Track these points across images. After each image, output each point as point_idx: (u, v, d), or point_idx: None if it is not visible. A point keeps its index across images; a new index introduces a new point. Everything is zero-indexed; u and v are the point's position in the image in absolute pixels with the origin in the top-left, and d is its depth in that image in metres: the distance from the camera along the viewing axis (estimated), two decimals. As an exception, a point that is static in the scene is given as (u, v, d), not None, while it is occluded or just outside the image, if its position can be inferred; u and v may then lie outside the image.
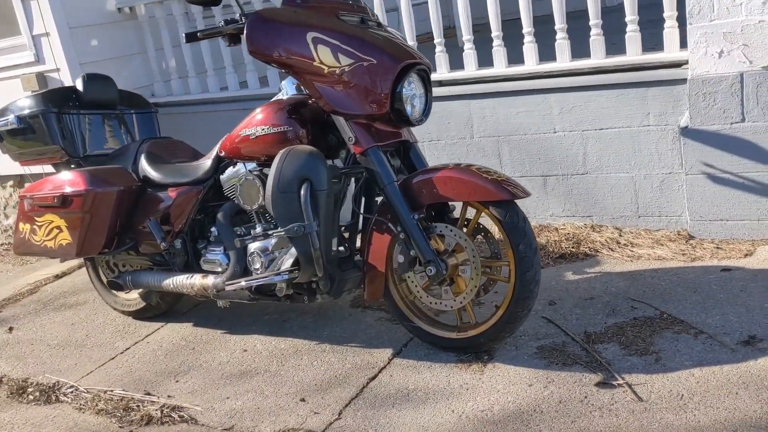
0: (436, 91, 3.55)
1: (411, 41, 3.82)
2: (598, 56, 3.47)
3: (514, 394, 2.44)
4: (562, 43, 3.53)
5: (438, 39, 3.84)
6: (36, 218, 3.37)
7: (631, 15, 3.35)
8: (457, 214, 2.80)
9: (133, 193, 3.29)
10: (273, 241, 2.85)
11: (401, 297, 2.85)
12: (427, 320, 2.83)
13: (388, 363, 2.80)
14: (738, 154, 3.18)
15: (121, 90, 3.79)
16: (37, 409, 2.93)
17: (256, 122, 2.87)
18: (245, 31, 2.62)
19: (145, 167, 3.30)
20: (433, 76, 3.61)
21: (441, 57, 3.84)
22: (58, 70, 4.63)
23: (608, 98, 3.46)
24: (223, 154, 3.07)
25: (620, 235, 3.53)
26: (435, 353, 2.80)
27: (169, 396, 2.84)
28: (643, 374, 2.42)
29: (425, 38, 4.70)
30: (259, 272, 2.93)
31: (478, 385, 2.53)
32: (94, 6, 4.73)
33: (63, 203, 3.23)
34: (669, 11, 3.27)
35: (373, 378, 2.71)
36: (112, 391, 2.95)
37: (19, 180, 5.33)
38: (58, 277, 4.56)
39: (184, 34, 2.76)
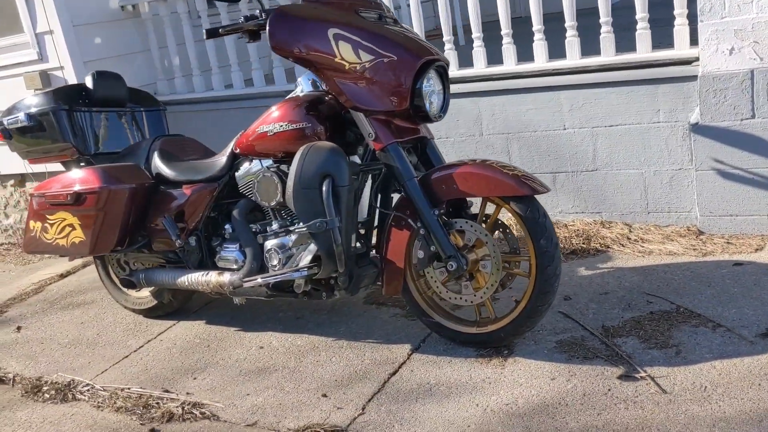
0: (446, 88, 3.56)
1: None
2: (608, 54, 3.49)
3: (537, 387, 2.46)
4: (572, 40, 3.56)
5: (447, 36, 3.85)
6: (48, 216, 3.35)
7: (641, 13, 3.38)
8: (474, 209, 2.83)
9: (146, 190, 3.28)
10: (293, 237, 2.85)
11: (419, 292, 2.87)
12: (446, 315, 2.85)
13: (408, 358, 2.81)
14: (748, 150, 3.22)
15: (130, 87, 3.77)
16: (53, 407, 2.91)
17: (274, 119, 2.87)
18: (268, 28, 2.63)
19: (159, 164, 3.29)
20: (443, 74, 3.63)
21: (450, 54, 3.85)
22: (62, 68, 4.60)
23: (618, 95, 3.49)
24: (238, 151, 3.07)
25: (630, 231, 3.56)
26: (454, 348, 2.81)
27: (188, 393, 2.83)
28: (665, 367, 2.44)
29: (428, 35, 4.70)
30: (276, 269, 2.93)
31: (500, 379, 2.55)
32: (97, 4, 4.70)
33: (76, 201, 3.21)
34: (679, 9, 3.31)
35: (394, 373, 2.72)
36: (129, 388, 2.94)
37: (20, 179, 5.30)
38: (62, 276, 4.54)
39: (205, 30, 2.76)
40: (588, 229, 3.64)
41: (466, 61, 3.90)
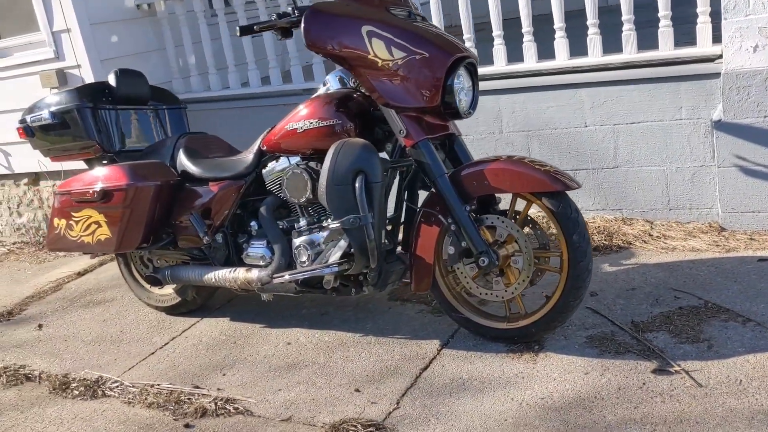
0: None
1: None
2: (630, 51, 3.51)
3: (572, 382, 2.47)
4: (593, 38, 3.58)
5: (467, 35, 3.86)
6: (73, 214, 3.36)
7: (664, 11, 3.40)
8: (503, 205, 2.85)
9: (172, 187, 3.28)
10: (323, 233, 2.86)
11: (448, 288, 2.88)
12: (475, 311, 2.86)
13: (438, 354, 2.82)
14: (771, 146, 3.24)
15: (151, 85, 3.78)
16: (83, 403, 2.92)
17: (303, 116, 2.88)
18: (302, 25, 2.64)
19: (184, 162, 3.30)
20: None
21: (470, 52, 3.86)
22: (78, 66, 4.60)
23: (640, 92, 3.51)
24: (265, 148, 3.09)
25: (651, 228, 3.58)
26: (483, 344, 2.83)
27: (218, 389, 2.84)
28: (698, 361, 2.46)
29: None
30: (305, 265, 2.94)
31: (533, 374, 2.56)
32: (114, 2, 4.70)
33: (103, 198, 3.22)
34: (702, 6, 3.33)
35: (425, 368, 2.73)
36: (159, 385, 2.95)
37: (34, 178, 5.30)
38: (80, 274, 4.54)
39: (238, 27, 2.77)
40: (609, 226, 3.66)
41: (484, 59, 3.91)
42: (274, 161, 3.09)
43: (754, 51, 3.18)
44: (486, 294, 2.76)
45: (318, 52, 2.72)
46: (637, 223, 3.65)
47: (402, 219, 3.02)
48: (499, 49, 3.82)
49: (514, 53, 3.84)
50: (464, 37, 3.89)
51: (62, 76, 4.67)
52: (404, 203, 3.00)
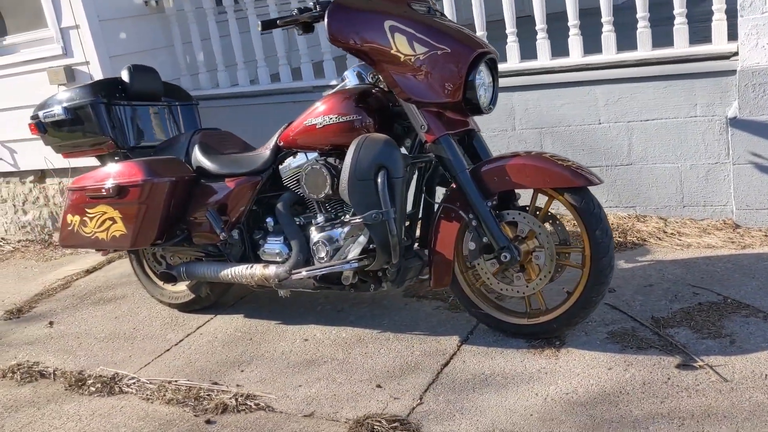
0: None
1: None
2: (645, 48, 3.52)
3: (595, 377, 2.47)
4: (608, 35, 3.58)
5: (480, 32, 3.86)
6: (87, 210, 3.34)
7: (679, 8, 3.40)
8: (522, 201, 2.84)
9: (187, 184, 3.27)
10: (344, 229, 2.85)
11: (468, 284, 2.88)
12: (495, 307, 2.86)
13: (458, 350, 2.82)
14: (786, 143, 3.25)
15: (164, 82, 3.76)
16: (100, 400, 2.90)
17: (322, 112, 2.87)
18: (326, 19, 2.63)
19: (200, 158, 3.29)
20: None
21: (483, 50, 3.86)
22: (87, 63, 4.58)
23: (655, 90, 3.51)
24: (282, 144, 3.08)
25: (666, 225, 3.59)
26: (503, 339, 2.82)
27: (237, 385, 2.83)
28: (721, 356, 2.46)
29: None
30: (324, 261, 2.93)
31: (556, 370, 2.56)
32: (122, -1, 4.69)
33: (118, 194, 3.20)
34: (718, 4, 3.33)
35: (446, 364, 2.73)
36: (176, 381, 2.93)
37: (40, 175, 5.27)
38: (88, 272, 4.52)
39: (260, 22, 2.75)
40: (623, 223, 3.66)
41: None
42: (292, 157, 3.08)
43: (770, 48, 3.18)
44: (507, 290, 2.75)
45: (340, 47, 2.71)
46: (651, 220, 3.65)
47: (419, 215, 3.02)
48: (512, 46, 3.82)
49: (527, 51, 3.84)
50: (477, 34, 3.88)
51: (70, 72, 4.64)
52: (422, 199, 3.00)
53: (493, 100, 2.81)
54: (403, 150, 2.91)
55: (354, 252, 2.84)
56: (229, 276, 3.19)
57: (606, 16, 3.56)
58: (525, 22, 3.99)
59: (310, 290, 3.03)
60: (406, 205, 2.85)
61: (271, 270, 3.06)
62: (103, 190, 3.24)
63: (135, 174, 3.17)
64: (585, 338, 2.73)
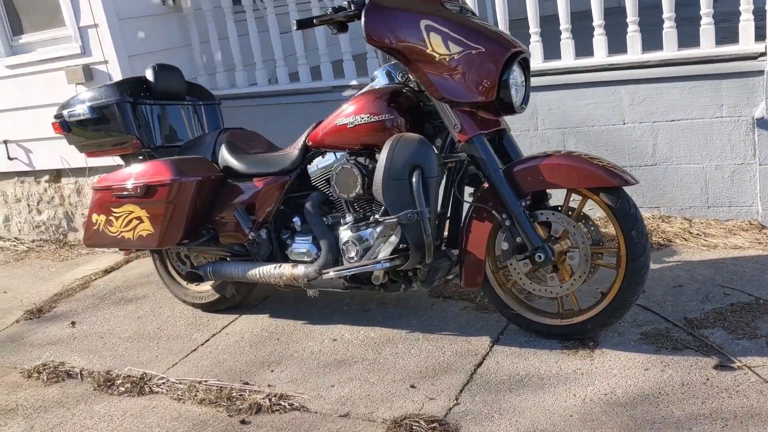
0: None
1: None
2: (670, 49, 3.51)
3: (633, 378, 2.47)
4: (633, 35, 3.58)
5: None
6: (113, 209, 3.33)
7: (706, 8, 3.40)
8: (553, 201, 2.84)
9: (214, 183, 3.26)
10: (375, 229, 2.84)
11: (499, 285, 2.87)
12: (528, 307, 2.85)
13: (490, 350, 2.81)
14: (814, 144, 3.25)
15: (187, 81, 3.75)
16: (131, 400, 2.89)
17: (353, 111, 2.87)
18: (363, 19, 2.63)
19: (227, 157, 3.28)
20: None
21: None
22: (106, 62, 4.56)
23: (681, 90, 3.51)
24: (310, 143, 3.07)
25: (691, 226, 3.58)
26: (535, 340, 2.82)
27: (269, 385, 2.82)
28: (759, 357, 2.46)
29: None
30: (354, 261, 2.92)
31: (592, 371, 2.55)
32: (141, -2, 4.68)
33: (146, 193, 3.19)
34: (745, 4, 3.33)
35: (479, 365, 2.72)
36: (206, 381, 2.92)
37: (56, 175, 5.25)
38: (106, 272, 4.51)
39: (295, 21, 2.75)
40: (647, 224, 3.65)
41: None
42: (320, 157, 3.07)
43: (799, 49, 3.18)
44: (540, 290, 2.75)
45: (376, 46, 2.70)
46: (676, 221, 3.65)
47: (448, 215, 3.02)
48: (535, 46, 3.81)
49: (550, 51, 3.83)
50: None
51: (88, 71, 4.63)
52: (451, 199, 2.99)
53: (525, 100, 2.80)
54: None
55: (385, 252, 2.84)
56: (257, 276, 3.18)
57: (631, 16, 3.56)
58: (548, 21, 3.98)
59: (339, 290, 3.02)
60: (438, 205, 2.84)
61: (300, 270, 3.05)
62: (131, 190, 3.23)
63: (163, 173, 3.16)
64: (618, 339, 2.73)
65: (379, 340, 3.05)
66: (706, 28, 3.43)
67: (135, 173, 3.26)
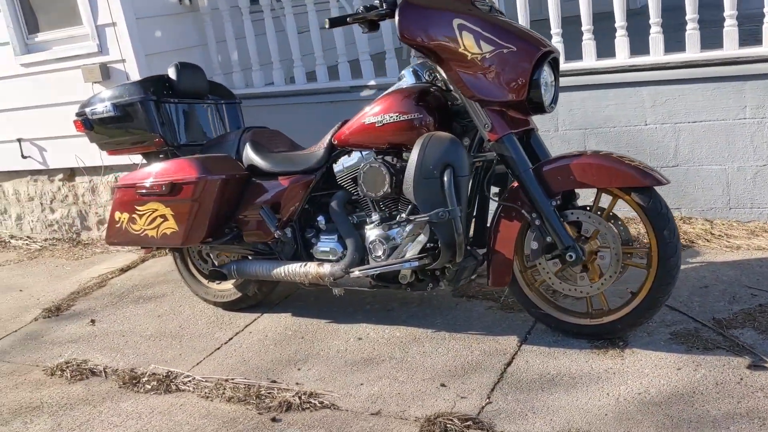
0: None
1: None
2: (693, 50, 3.52)
3: (665, 377, 2.47)
4: (656, 37, 3.58)
5: (525, 32, 3.86)
6: (137, 207, 3.32)
7: (730, 10, 3.41)
8: (581, 201, 2.84)
9: (239, 181, 3.26)
10: (408, 227, 2.83)
11: (527, 284, 2.87)
12: (555, 307, 2.85)
13: (518, 350, 2.81)
14: (838, 146, 3.26)
15: (208, 80, 3.75)
16: (158, 398, 2.89)
17: (381, 110, 2.87)
18: (397, 17, 2.63)
19: (252, 156, 3.28)
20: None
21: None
22: (123, 61, 4.56)
23: (704, 91, 3.52)
24: (336, 142, 3.07)
25: (712, 227, 3.59)
26: (563, 340, 2.82)
27: (297, 383, 2.82)
28: (791, 357, 2.47)
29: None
30: (381, 260, 2.92)
31: (624, 370, 2.55)
32: (158, -3, 4.68)
33: (171, 191, 3.19)
34: (770, 6, 3.34)
35: (509, 364, 2.72)
36: (233, 379, 2.92)
37: (70, 173, 5.25)
38: (123, 270, 4.50)
39: (327, 20, 2.75)
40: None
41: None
42: (346, 156, 3.07)
43: (824, 50, 3.19)
44: (570, 290, 2.75)
45: (409, 44, 2.71)
46: (697, 222, 3.66)
47: (474, 214, 3.02)
48: (557, 47, 3.80)
49: (571, 52, 3.84)
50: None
51: (105, 70, 4.63)
52: (476, 199, 2.99)
53: (554, 100, 2.80)
54: (461, 149, 2.91)
55: (413, 251, 2.84)
56: (282, 274, 3.18)
57: (654, 18, 3.56)
58: (569, 22, 3.98)
59: (366, 288, 3.02)
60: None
61: (326, 268, 3.05)
62: (155, 187, 3.23)
63: (189, 171, 3.15)
64: (648, 339, 2.73)
65: (405, 339, 3.04)
66: (730, 29, 3.43)
67: (160, 171, 3.26)
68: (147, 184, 3.26)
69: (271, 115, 4.69)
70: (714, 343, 2.63)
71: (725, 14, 3.43)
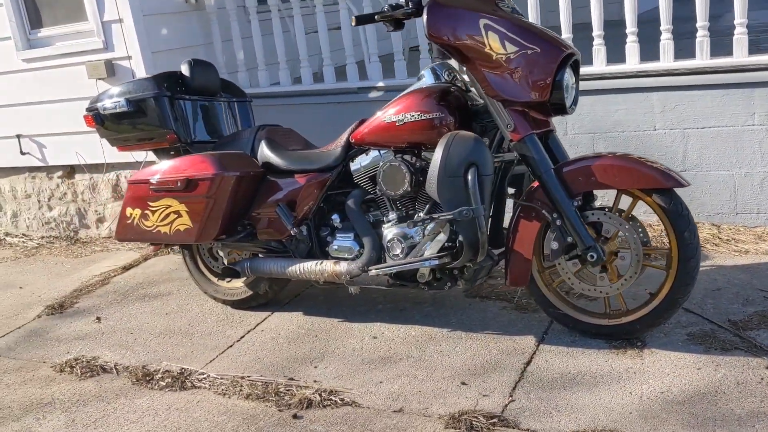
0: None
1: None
2: (703, 57, 3.57)
3: (686, 377, 2.49)
4: (666, 43, 3.63)
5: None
6: (150, 203, 3.30)
7: (740, 18, 3.46)
8: (599, 202, 2.87)
9: (254, 179, 3.25)
10: (430, 225, 2.84)
11: (545, 284, 2.89)
12: (573, 307, 2.87)
13: (537, 349, 2.83)
14: None
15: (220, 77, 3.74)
16: (173, 395, 2.86)
17: (402, 109, 2.88)
18: (425, 16, 2.64)
19: (268, 153, 3.27)
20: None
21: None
22: (129, 57, 4.53)
23: (713, 98, 3.57)
24: (353, 141, 3.07)
25: (720, 232, 3.63)
26: (581, 340, 2.84)
27: (315, 381, 2.81)
28: (809, 358, 2.50)
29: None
30: (399, 258, 2.93)
31: (645, 369, 2.58)
32: (164, -6, 4.66)
33: (187, 187, 3.17)
34: (780, 15, 3.40)
35: (528, 363, 2.73)
36: (249, 377, 2.90)
37: (69, 170, 5.19)
38: (125, 269, 4.46)
39: (354, 17, 2.76)
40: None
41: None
42: (363, 155, 3.08)
43: (833, 59, 3.25)
44: (589, 290, 2.77)
45: (435, 42, 2.72)
46: (704, 226, 3.70)
47: (490, 214, 3.03)
48: (568, 51, 3.85)
49: (582, 57, 3.86)
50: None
51: (110, 67, 4.59)
52: (493, 199, 3.00)
53: (575, 101, 2.83)
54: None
55: (432, 249, 2.84)
56: (297, 272, 3.17)
57: (665, 25, 3.61)
58: (579, 29, 4.01)
59: (383, 287, 3.02)
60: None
61: (343, 266, 3.05)
62: (170, 183, 3.20)
63: (205, 167, 3.14)
64: (665, 339, 2.75)
65: (421, 338, 3.05)
66: (740, 37, 3.49)
67: (175, 167, 3.24)
68: (161, 180, 3.24)
69: (277, 115, 4.67)
70: (731, 344, 2.66)
71: (735, 22, 3.48)
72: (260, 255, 3.40)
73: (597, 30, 3.76)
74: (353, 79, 4.47)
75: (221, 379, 2.92)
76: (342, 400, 2.64)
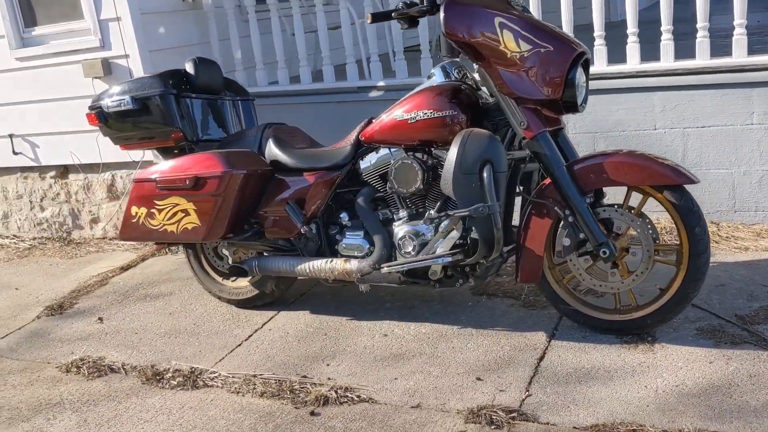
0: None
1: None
2: (703, 57, 3.63)
3: (700, 370, 2.53)
4: (667, 44, 3.69)
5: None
6: (156, 202, 3.28)
7: (739, 19, 3.52)
8: (608, 199, 2.90)
9: (262, 177, 3.25)
10: (444, 222, 2.85)
11: (556, 280, 2.92)
12: (584, 303, 2.90)
13: (548, 345, 2.85)
14: (842, 152, 3.39)
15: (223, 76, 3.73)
16: (186, 394, 2.85)
17: (414, 107, 2.89)
18: (442, 14, 2.66)
19: (276, 152, 3.26)
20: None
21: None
22: (126, 56, 4.49)
23: (712, 98, 3.63)
24: (363, 139, 3.08)
25: (719, 229, 3.69)
26: (592, 335, 2.87)
27: (329, 378, 2.81)
28: (818, 351, 2.56)
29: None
30: (410, 256, 2.94)
31: (657, 364, 2.61)
32: (161, -8, 4.63)
33: (195, 185, 3.16)
34: (778, 16, 3.47)
35: (541, 358, 2.76)
36: (261, 375, 2.89)
37: (63, 170, 5.13)
38: (123, 269, 4.42)
39: (370, 14, 2.77)
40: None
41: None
42: (373, 152, 3.09)
43: (831, 60, 3.33)
44: (601, 286, 2.80)
45: (452, 40, 2.73)
46: (704, 224, 3.75)
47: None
48: (569, 51, 3.89)
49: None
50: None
51: (107, 65, 4.55)
52: (527, 194, 3.02)
53: (585, 99, 2.86)
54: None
55: (444, 247, 2.86)
56: (307, 270, 3.17)
57: (665, 25, 3.67)
58: (581, 30, 4.05)
59: (395, 284, 3.03)
60: (502, 201, 2.88)
61: (354, 264, 3.05)
62: (178, 181, 3.19)
63: (214, 165, 3.13)
64: (675, 334, 2.79)
65: (432, 335, 3.06)
66: (739, 38, 3.55)
67: (182, 165, 3.22)
68: (168, 178, 3.22)
69: (276, 114, 4.65)
70: (740, 338, 2.70)
71: (735, 23, 3.55)
72: (265, 254, 3.39)
73: (598, 30, 3.81)
74: (353, 78, 4.48)
75: (233, 377, 2.91)
76: (358, 396, 2.64)
